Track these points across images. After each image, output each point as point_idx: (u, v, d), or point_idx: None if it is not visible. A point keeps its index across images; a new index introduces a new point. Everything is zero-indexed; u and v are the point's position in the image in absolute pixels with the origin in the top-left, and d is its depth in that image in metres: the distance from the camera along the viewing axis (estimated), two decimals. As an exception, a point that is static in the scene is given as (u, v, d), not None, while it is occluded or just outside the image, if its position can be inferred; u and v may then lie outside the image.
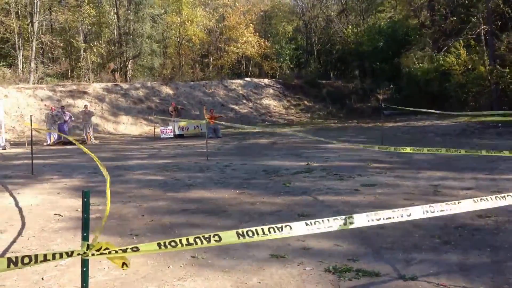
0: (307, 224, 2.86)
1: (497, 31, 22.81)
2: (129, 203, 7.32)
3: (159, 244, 2.73)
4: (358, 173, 9.37)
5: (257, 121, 28.30)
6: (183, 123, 20.84)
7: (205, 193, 8.05)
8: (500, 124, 17.55)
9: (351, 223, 2.96)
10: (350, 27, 39.38)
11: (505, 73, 22.65)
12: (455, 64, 23.86)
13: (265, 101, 31.66)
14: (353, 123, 24.38)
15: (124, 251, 2.70)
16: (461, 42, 23.55)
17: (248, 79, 34.35)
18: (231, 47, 37.73)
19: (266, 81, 34.46)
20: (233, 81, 33.38)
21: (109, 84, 28.35)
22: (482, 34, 23.39)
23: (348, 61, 40.59)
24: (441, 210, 3.08)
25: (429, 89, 26.13)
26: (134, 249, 2.71)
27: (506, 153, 7.33)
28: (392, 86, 32.96)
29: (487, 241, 5.06)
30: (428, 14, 25.44)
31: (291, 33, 42.98)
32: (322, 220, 2.92)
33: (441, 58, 24.43)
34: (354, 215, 2.99)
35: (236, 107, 29.93)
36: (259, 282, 4.12)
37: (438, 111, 14.44)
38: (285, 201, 7.27)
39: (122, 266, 2.66)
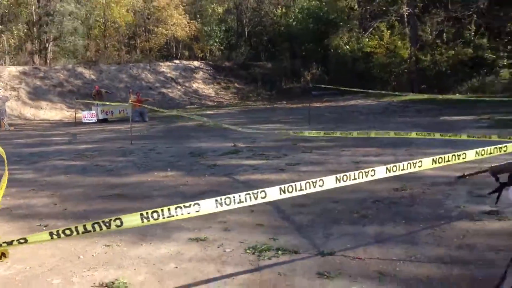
0: (216, 201, 2.71)
1: (420, 13, 23.78)
2: (41, 191, 6.86)
3: (51, 234, 2.48)
4: (284, 152, 9.38)
5: (186, 104, 27.82)
6: (107, 107, 20.00)
7: (127, 178, 7.72)
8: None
9: (263, 197, 2.84)
10: (280, 8, 39.46)
11: (424, 55, 23.73)
12: (378, 46, 24.64)
13: (195, 84, 31.16)
14: (282, 104, 24.57)
15: (10, 243, 2.42)
16: (385, 24, 24.36)
17: (177, 61, 33.60)
18: (160, 29, 36.64)
19: (196, 63, 33.88)
20: (162, 63, 32.53)
21: (27, 68, 26.62)
22: (405, 16, 24.29)
23: (278, 43, 40.73)
24: (354, 179, 3.03)
25: (356, 69, 26.83)
26: (21, 241, 2.43)
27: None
28: (320, 67, 33.49)
29: (403, 214, 5.19)
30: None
31: (221, 14, 42.40)
32: (233, 196, 2.78)
33: (366, 40, 25.15)
34: (266, 189, 2.88)
35: (164, 90, 29.23)
36: (176, 267, 3.96)
37: (366, 90, 14.79)
38: (209, 182, 7.13)
39: (0, 258, 2.38)
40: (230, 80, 32.98)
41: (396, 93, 19.67)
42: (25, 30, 30.81)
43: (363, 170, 3.15)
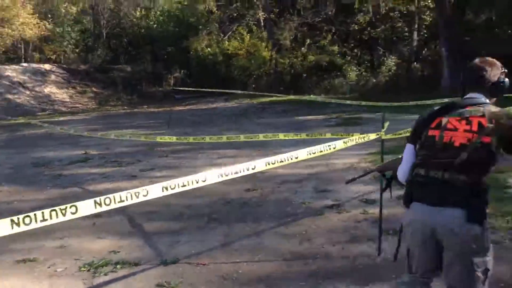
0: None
1: (276, 18, 24.78)
2: None
3: None
4: (139, 158, 8.96)
5: (37, 110, 25.55)
6: None
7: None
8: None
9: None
10: (139, 10, 38.34)
11: (282, 58, 24.82)
12: (239, 49, 25.18)
13: (47, 89, 28.75)
14: (143, 108, 23.83)
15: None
16: (244, 27, 24.96)
17: (25, 64, 30.76)
18: (6, 29, 33.23)
19: (47, 66, 31.33)
20: (6, 66, 29.49)
21: None
22: (262, 20, 25.14)
23: (139, 46, 39.55)
24: (183, 186, 2.88)
25: (217, 72, 27.07)
26: None
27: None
28: (183, 70, 33.21)
29: (252, 214, 5.19)
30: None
31: (75, 15, 39.89)
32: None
33: (226, 43, 25.51)
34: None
35: (10, 96, 26.48)
36: (-6, 296, 3.43)
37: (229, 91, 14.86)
38: (50, 195, 6.48)
39: None
40: (86, 84, 31.10)
41: (265, 93, 20.18)
42: None
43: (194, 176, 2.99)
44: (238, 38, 24.98)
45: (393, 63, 24.71)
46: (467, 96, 2.29)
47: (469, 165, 2.10)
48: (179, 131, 13.46)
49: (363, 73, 25.27)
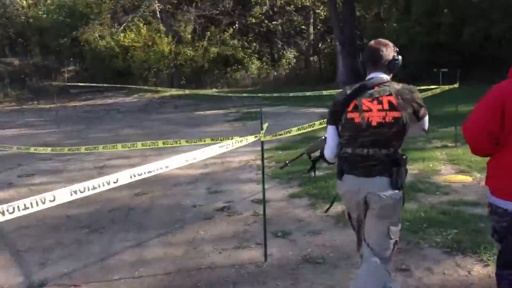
0: None
1: (173, 10, 24.16)
2: None
3: None
4: (18, 162, 8.16)
5: None
6: None
7: None
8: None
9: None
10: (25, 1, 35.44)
11: (182, 51, 24.27)
12: (136, 41, 24.23)
13: None
14: (33, 105, 22.11)
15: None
16: (141, 18, 24.04)
17: None
18: None
19: None
20: None
21: None
22: (158, 11, 24.38)
23: (27, 37, 36.64)
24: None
25: (114, 66, 25.88)
26: None
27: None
28: (78, 63, 31.38)
29: (137, 222, 4.87)
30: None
31: None
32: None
33: (122, 34, 24.45)
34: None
35: None
36: None
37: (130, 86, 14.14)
38: None
39: None
40: (-33, 79, 28.23)
41: (159, 88, 19.59)
42: None
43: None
44: (134, 30, 24.02)
45: (292, 56, 25.25)
46: (370, 76, 2.55)
47: (387, 140, 2.45)
48: (71, 129, 12.65)
49: (264, 66, 25.54)
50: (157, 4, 23.83)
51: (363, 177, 2.48)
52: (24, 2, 34.16)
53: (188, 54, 24.28)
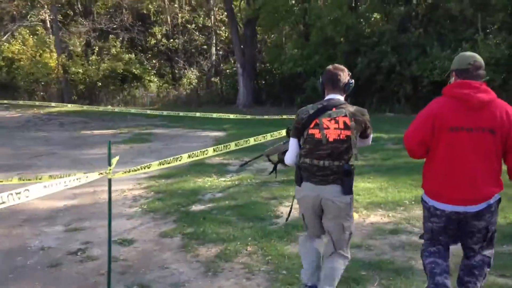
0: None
1: (64, 21, 22.53)
2: None
3: None
4: None
5: None
6: None
7: None
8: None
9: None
10: None
11: (73, 65, 22.67)
12: (23, 52, 22.23)
13: None
14: None
15: None
16: (27, 28, 22.12)
17: None
18: None
19: None
20: None
21: None
22: (48, 21, 22.60)
23: None
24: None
25: (-2, 78, 23.58)
26: None
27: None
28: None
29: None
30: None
31: None
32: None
33: (6, 45, 22.28)
34: None
35: None
36: None
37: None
38: None
39: None
40: None
41: (36, 103, 17.91)
42: None
43: None
44: (20, 41, 22.02)
45: (194, 76, 24.70)
46: (329, 97, 3.08)
47: (340, 153, 2.96)
48: None
49: (164, 85, 24.70)
50: (47, 14, 22.08)
51: (320, 185, 2.98)
52: None
53: (80, 68, 22.66)
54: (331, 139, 2.93)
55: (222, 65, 24.35)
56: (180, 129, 13.76)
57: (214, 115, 11.19)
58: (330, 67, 3.11)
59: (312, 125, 2.97)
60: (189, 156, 4.47)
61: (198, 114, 10.16)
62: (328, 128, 2.94)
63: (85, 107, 16.04)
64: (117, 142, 11.34)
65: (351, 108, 3.00)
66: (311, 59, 18.09)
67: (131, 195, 6.38)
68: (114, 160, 3.28)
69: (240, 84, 20.49)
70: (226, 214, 5.42)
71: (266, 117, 11.38)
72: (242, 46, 20.07)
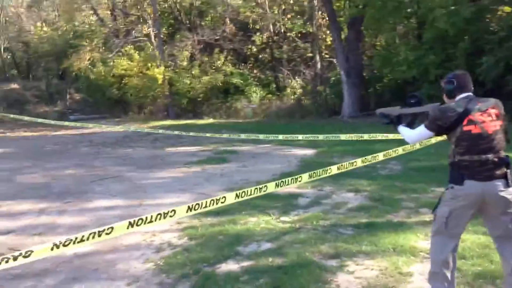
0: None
1: (168, 35, 22.70)
2: None
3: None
4: None
5: None
6: None
7: None
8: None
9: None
10: (39, 24, 34.74)
11: (178, 79, 22.69)
12: (130, 69, 22.77)
13: None
14: (22, 131, 20.59)
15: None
16: (132, 45, 22.64)
17: None
18: None
19: None
20: None
21: None
22: (152, 36, 22.91)
23: (37, 62, 36.02)
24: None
25: (110, 94, 24.52)
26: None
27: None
28: (81, 89, 30.20)
29: None
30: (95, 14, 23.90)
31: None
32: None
33: (114, 62, 23.03)
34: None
35: None
36: None
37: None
38: None
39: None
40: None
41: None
42: None
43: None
44: (126, 58, 22.53)
45: (298, 86, 23.37)
46: (464, 95, 3.17)
47: (499, 145, 3.08)
48: (15, 166, 10.85)
49: (267, 95, 23.69)
50: (151, 29, 22.37)
51: (485, 181, 2.99)
52: (39, 28, 33.30)
53: (185, 82, 22.60)
54: (490, 132, 3.02)
55: (326, 73, 22.64)
56: (267, 146, 12.43)
57: (300, 136, 9.65)
58: (459, 72, 3.34)
59: (465, 122, 3.03)
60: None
61: (280, 137, 8.61)
62: (484, 121, 3.03)
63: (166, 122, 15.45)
64: (192, 162, 10.36)
65: (492, 100, 3.14)
66: (424, 61, 15.68)
67: (159, 240, 5.14)
68: None
69: (345, 93, 18.65)
70: (259, 283, 3.89)
71: (379, 137, 9.35)
72: (345, 51, 18.23)
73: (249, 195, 3.28)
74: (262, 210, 6.09)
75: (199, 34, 22.63)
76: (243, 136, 8.78)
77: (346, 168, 4.37)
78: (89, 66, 23.67)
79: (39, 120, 11.94)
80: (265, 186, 3.44)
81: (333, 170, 4.27)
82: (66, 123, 12.06)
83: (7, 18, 38.21)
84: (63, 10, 26.40)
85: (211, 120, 21.74)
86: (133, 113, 24.76)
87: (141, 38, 22.87)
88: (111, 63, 23.14)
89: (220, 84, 22.68)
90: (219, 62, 22.60)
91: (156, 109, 24.22)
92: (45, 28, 33.08)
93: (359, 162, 4.48)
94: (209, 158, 10.90)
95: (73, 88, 31.16)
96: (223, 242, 4.98)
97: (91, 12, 25.84)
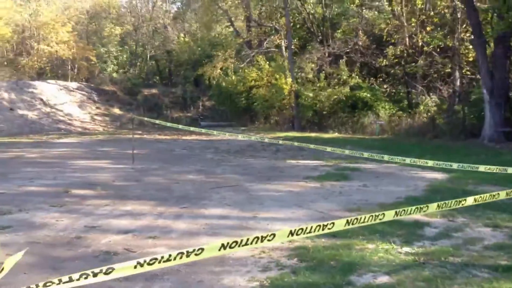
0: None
1: (298, 47, 22.74)
2: None
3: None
4: (40, 205, 7.00)
5: (50, 129, 24.69)
6: None
7: None
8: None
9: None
10: (182, 35, 37.45)
11: (304, 90, 22.58)
12: (259, 79, 23.26)
13: (68, 107, 28.10)
14: (157, 134, 22.17)
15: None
16: (263, 55, 23.08)
17: (51, 81, 30.44)
18: (42, 46, 33.52)
19: (74, 85, 30.89)
20: (33, 82, 29.22)
21: None
22: (283, 47, 23.12)
23: (178, 70, 38.74)
24: None
25: (238, 102, 25.31)
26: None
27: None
28: (213, 97, 31.66)
29: None
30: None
31: (118, 36, 39.94)
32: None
33: (246, 71, 23.70)
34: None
35: (28, 113, 25.93)
36: None
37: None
38: None
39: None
40: (111, 105, 30.27)
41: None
42: None
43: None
44: (255, 68, 23.02)
45: (433, 103, 21.83)
46: None
47: None
48: (144, 167, 11.54)
49: (397, 112, 22.49)
50: (283, 40, 22.58)
51: None
52: (181, 38, 35.85)
53: (311, 94, 22.42)
54: None
55: (466, 91, 20.78)
56: (393, 165, 11.58)
57: (430, 163, 8.80)
58: None
59: None
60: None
61: (408, 161, 7.68)
62: None
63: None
64: (311, 177, 10.02)
65: None
66: None
67: (267, 258, 4.87)
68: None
69: (486, 113, 16.87)
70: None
71: None
72: (490, 68, 16.51)
73: (362, 223, 2.84)
74: (382, 236, 5.52)
75: (330, 46, 22.30)
76: (365, 154, 8.21)
77: (485, 200, 3.70)
78: (222, 75, 24.67)
79: (168, 124, 12.59)
80: (382, 214, 2.96)
81: (469, 201, 3.62)
82: (192, 128, 12.46)
83: (154, 28, 41.76)
84: (203, 22, 27.97)
85: (335, 134, 21.25)
86: (259, 123, 25.23)
87: (272, 49, 23.22)
88: (242, 73, 23.86)
89: (345, 98, 22.09)
90: (344, 74, 22.02)
91: (281, 120, 24.38)
92: (186, 39, 35.48)
93: (502, 195, 3.76)
94: (329, 173, 10.48)
95: (206, 95, 32.90)
96: (335, 269, 4.55)
97: (228, 23, 26.96)
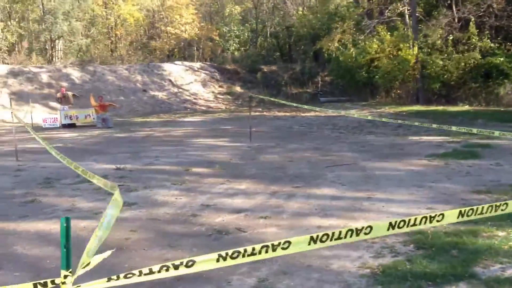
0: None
1: (423, 13, 21.13)
2: None
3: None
4: (162, 183, 7.50)
5: (179, 108, 26.28)
6: (71, 112, 18.79)
7: None
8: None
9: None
10: (302, 9, 37.18)
11: (431, 60, 21.05)
12: (380, 51, 22.14)
13: (194, 87, 29.60)
14: (273, 112, 22.46)
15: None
16: (384, 25, 21.83)
17: (178, 62, 32.19)
18: (169, 28, 35.63)
19: (198, 65, 32.35)
20: (162, 64, 31.21)
21: (16, 67, 25.96)
22: (407, 15, 21.65)
23: (297, 45, 38.65)
24: None
25: (358, 76, 24.46)
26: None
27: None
28: (332, 72, 31.06)
29: None
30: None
31: (239, 15, 40.92)
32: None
33: (366, 43, 22.66)
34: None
35: (158, 93, 27.83)
36: None
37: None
38: None
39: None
40: (233, 83, 31.21)
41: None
42: (24, 27, 30.44)
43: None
44: (376, 40, 21.88)
45: None
46: None
47: None
48: (261, 145, 11.72)
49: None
50: (405, 7, 21.13)
51: None
52: (300, 12, 35.67)
53: (439, 63, 20.78)
54: None
55: None
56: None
57: None
58: None
59: None
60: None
61: None
62: None
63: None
64: (434, 154, 9.33)
65: None
66: None
67: (381, 243, 4.61)
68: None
69: None
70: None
71: None
72: None
73: (479, 214, 2.48)
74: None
75: (460, 11, 20.41)
76: (496, 133, 7.36)
77: None
78: (340, 48, 23.99)
79: (282, 101, 12.57)
80: (505, 204, 2.55)
81: None
82: (306, 106, 12.29)
83: (273, 4, 42.00)
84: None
85: (466, 107, 19.57)
86: (380, 97, 24.19)
87: (394, 18, 21.93)
88: (362, 45, 22.94)
89: (476, 65, 20.11)
90: (474, 38, 19.95)
91: (405, 93, 23.10)
92: (305, 12, 35.10)
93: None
94: (455, 151, 9.68)
95: (325, 70, 32.36)
96: (456, 258, 4.15)
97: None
